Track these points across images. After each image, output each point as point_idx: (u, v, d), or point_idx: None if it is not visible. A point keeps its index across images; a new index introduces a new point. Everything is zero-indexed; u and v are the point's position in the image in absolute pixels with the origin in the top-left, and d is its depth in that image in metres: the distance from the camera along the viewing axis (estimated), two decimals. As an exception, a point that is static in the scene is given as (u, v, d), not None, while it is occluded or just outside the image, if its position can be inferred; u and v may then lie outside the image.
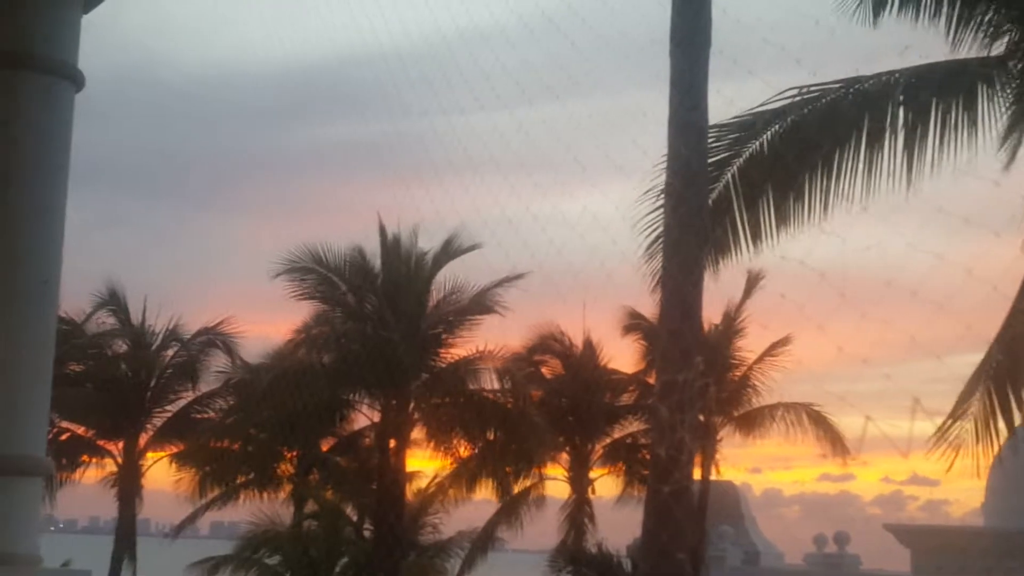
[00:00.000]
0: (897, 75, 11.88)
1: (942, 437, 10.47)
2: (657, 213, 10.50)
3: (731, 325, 27.01)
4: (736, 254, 11.77)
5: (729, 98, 8.42)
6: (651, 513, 6.63)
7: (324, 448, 28.72)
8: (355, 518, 27.64)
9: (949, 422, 10.65)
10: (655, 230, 10.75)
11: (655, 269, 10.96)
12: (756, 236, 11.71)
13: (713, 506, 26.64)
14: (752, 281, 24.32)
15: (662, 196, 10.16)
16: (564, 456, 30.67)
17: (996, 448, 10.77)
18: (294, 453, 28.64)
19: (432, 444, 27.53)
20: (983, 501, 25.43)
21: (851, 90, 11.94)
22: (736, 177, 11.66)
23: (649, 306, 24.77)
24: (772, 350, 27.06)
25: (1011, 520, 23.39)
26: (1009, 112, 11.85)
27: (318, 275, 26.54)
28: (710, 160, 11.18)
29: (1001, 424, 10.69)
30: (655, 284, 10.72)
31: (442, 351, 26.64)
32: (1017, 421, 10.77)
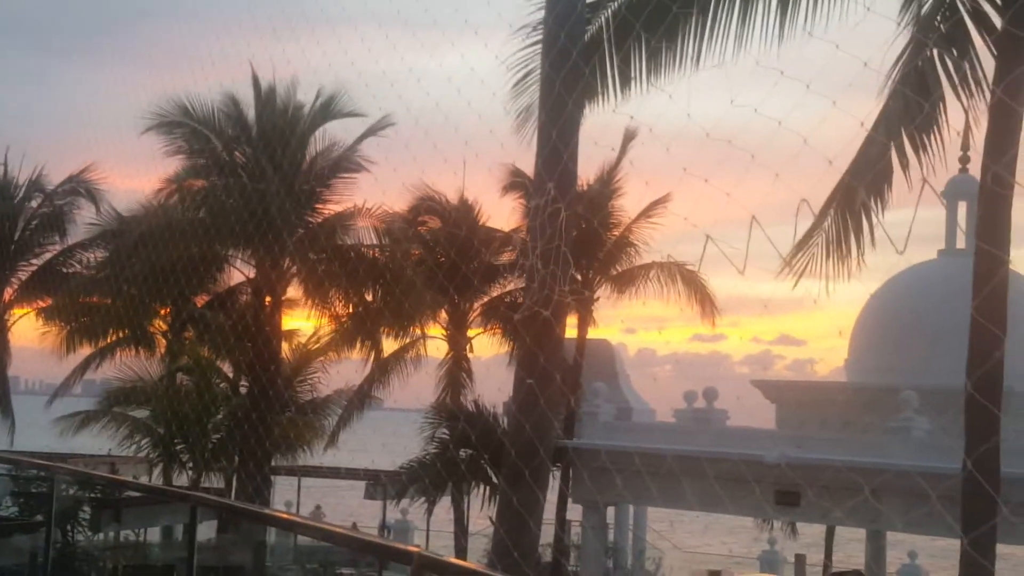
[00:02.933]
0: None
1: (796, 256, 10.56)
2: (529, 50, 10.27)
3: (609, 183, 26.93)
4: (604, 100, 11.54)
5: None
6: (522, 337, 6.63)
7: (199, 304, 28.21)
8: (231, 375, 27.40)
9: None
10: (527, 67, 10.53)
11: (522, 107, 10.78)
12: (625, 83, 11.48)
13: (588, 363, 27.03)
14: (628, 137, 23.54)
15: (536, 32, 9.93)
16: (443, 316, 30.72)
17: (845, 270, 10.84)
18: (167, 309, 28.04)
19: (309, 301, 27.31)
20: (846, 358, 26.28)
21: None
22: (610, 19, 11.40)
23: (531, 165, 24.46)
24: (650, 209, 27.15)
25: (871, 376, 24.26)
26: None
27: (188, 128, 25.75)
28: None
29: (853, 244, 10.77)
30: (522, 121, 10.53)
31: (319, 206, 26.27)
32: (865, 242, 10.82)
